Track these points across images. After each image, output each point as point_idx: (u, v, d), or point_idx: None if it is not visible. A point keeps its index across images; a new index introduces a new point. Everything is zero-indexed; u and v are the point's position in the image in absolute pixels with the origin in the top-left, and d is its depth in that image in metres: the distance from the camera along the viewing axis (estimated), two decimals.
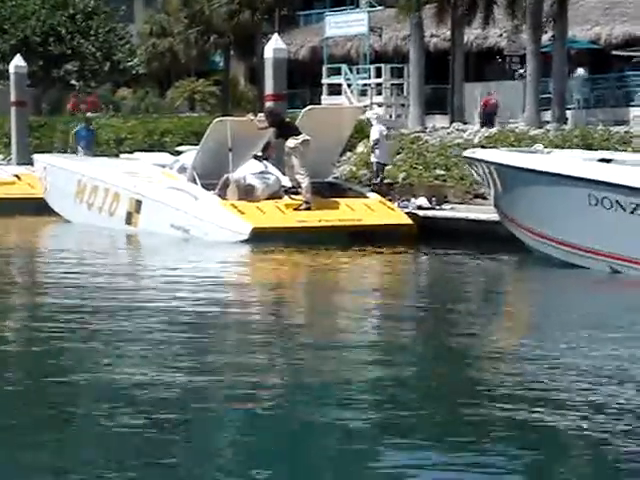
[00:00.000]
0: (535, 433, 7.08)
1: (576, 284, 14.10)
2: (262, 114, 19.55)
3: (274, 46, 21.72)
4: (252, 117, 19.41)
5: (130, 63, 45.67)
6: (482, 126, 27.57)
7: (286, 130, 18.85)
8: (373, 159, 21.01)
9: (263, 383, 8.45)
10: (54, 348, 9.68)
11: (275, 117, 19.12)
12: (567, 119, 28.44)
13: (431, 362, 9.53)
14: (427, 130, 27.40)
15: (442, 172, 21.72)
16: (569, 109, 29.76)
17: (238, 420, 7.54)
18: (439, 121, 30.94)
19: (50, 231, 21.54)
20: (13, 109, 29.27)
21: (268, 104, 20.60)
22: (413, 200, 19.92)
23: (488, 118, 30.18)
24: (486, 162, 15.82)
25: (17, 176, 25.40)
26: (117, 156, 25.81)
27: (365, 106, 32.26)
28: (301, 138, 18.67)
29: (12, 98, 29.36)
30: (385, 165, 21.32)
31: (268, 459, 6.66)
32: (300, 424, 7.36)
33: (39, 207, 22.46)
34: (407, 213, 18.95)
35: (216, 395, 8.13)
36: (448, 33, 31.84)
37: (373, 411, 7.69)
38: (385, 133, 21.62)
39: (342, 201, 18.95)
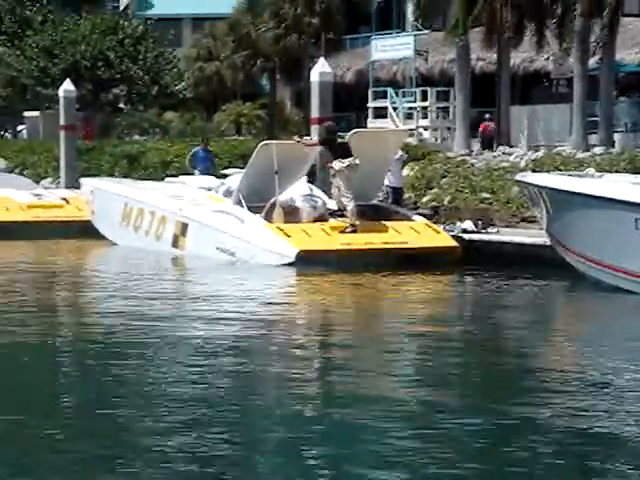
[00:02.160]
0: None
1: (623, 309, 13.95)
2: (307, 137, 19.59)
3: (320, 70, 21.79)
4: (298, 139, 19.47)
5: (177, 87, 46.05)
6: (483, 149, 28.27)
7: (337, 151, 18.83)
8: (386, 182, 20.86)
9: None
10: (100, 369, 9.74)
11: (329, 135, 19.19)
12: (614, 142, 28.22)
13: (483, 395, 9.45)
14: (473, 153, 27.31)
15: (488, 195, 21.63)
16: (616, 132, 29.53)
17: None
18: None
19: (97, 254, 21.68)
20: (62, 133, 29.58)
21: (327, 123, 20.63)
22: (459, 223, 19.84)
23: (488, 142, 30.48)
24: (537, 186, 15.72)
25: (65, 199, 25.61)
26: (163, 179, 25.95)
27: (411, 129, 32.26)
28: (347, 161, 18.68)
29: (61, 122, 29.68)
30: (399, 189, 21.21)
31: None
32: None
33: (86, 230, 22.63)
34: (453, 236, 18.87)
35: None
36: (494, 56, 31.76)
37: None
38: (404, 158, 21.68)
39: (388, 224, 18.92)
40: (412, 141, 29.61)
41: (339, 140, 19.20)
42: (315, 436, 7.61)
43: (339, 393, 9.10)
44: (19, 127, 48.73)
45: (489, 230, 19.51)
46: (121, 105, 44.91)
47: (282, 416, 8.19)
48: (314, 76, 21.84)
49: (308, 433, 7.64)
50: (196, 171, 24.28)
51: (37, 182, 30.08)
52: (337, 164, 18.78)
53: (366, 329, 12.73)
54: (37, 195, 26.03)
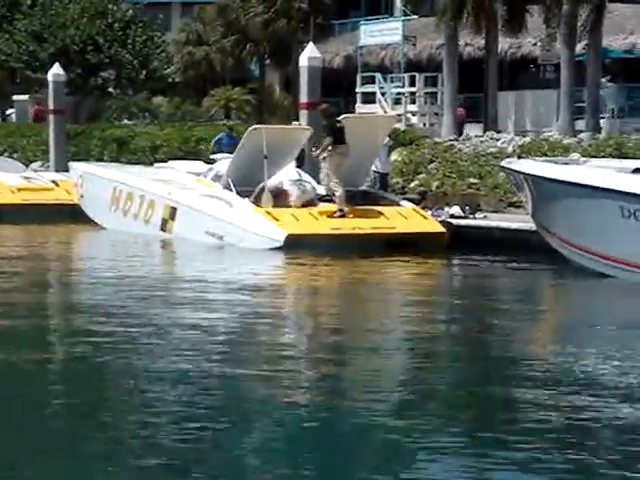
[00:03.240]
0: None
1: (607, 294, 14.11)
2: (296, 122, 19.67)
3: (309, 54, 21.86)
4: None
5: (166, 71, 45.99)
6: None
7: (336, 135, 18.91)
8: (373, 168, 20.95)
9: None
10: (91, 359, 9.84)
11: (328, 119, 19.30)
12: (601, 128, 28.37)
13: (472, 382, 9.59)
14: (460, 139, 27.44)
15: (475, 181, 21.76)
16: (603, 118, 29.69)
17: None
18: (473, 130, 30.97)
19: (85, 238, 21.75)
20: (51, 117, 29.58)
21: (324, 105, 20.68)
22: (446, 209, 19.96)
23: (458, 128, 30.74)
24: (522, 173, 15.84)
25: (55, 182, 25.66)
26: (152, 164, 26.00)
27: (399, 115, 32.36)
28: (339, 147, 18.80)
29: (50, 106, 29.68)
30: (385, 175, 21.35)
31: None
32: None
33: (75, 213, 22.69)
34: (440, 221, 19.00)
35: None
36: (482, 42, 31.86)
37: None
38: (390, 144, 21.78)
39: (376, 209, 19.04)
40: (400, 126, 29.70)
41: (337, 125, 19.21)
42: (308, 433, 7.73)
43: (328, 384, 9.24)
44: (8, 111, 48.64)
45: (476, 215, 19.64)
46: (110, 89, 44.85)
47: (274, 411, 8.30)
48: (303, 61, 21.91)
49: (301, 430, 7.73)
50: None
51: (26, 165, 30.08)
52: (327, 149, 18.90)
53: (353, 315, 12.84)
54: (27, 178, 26.06)
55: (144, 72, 43.60)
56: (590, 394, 8.25)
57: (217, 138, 24.57)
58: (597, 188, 14.42)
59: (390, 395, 8.45)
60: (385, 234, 18.34)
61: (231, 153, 22.40)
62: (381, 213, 18.91)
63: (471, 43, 34.50)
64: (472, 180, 21.84)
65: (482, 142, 26.02)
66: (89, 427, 7.46)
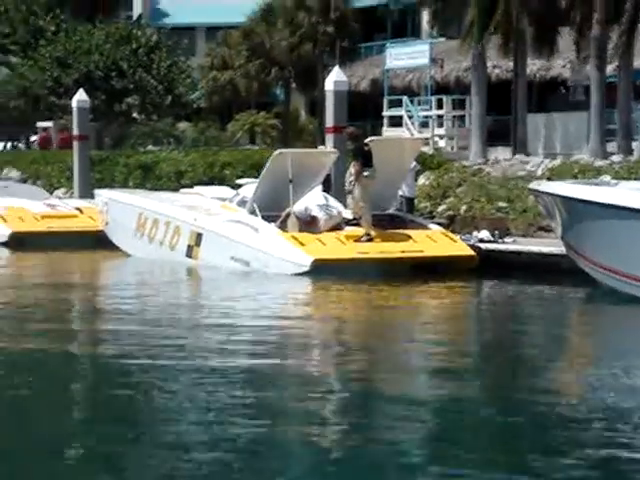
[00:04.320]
0: None
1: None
2: (322, 146, 19.44)
3: (335, 78, 21.64)
4: (323, 148, 19.32)
5: (191, 96, 45.96)
6: None
7: (364, 158, 18.67)
8: (399, 192, 20.62)
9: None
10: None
11: (354, 141, 19.12)
12: (633, 150, 27.97)
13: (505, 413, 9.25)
14: (489, 162, 27.10)
15: (504, 204, 21.42)
16: (634, 140, 29.27)
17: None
18: (501, 153, 30.62)
19: (111, 265, 21.54)
20: (75, 143, 29.50)
21: (351, 128, 20.44)
22: (475, 233, 19.65)
23: None
24: (551, 195, 15.54)
25: (79, 209, 25.53)
26: (177, 189, 25.82)
27: (426, 138, 32.07)
28: (366, 170, 18.55)
29: (74, 132, 29.60)
30: (412, 199, 21.03)
31: None
32: None
33: (100, 240, 22.52)
34: (469, 245, 18.68)
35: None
36: (510, 64, 31.56)
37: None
38: (417, 168, 21.48)
39: (404, 232, 18.74)
40: (428, 150, 29.41)
41: (365, 148, 18.97)
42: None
43: (355, 406, 8.93)
44: (32, 138, 48.77)
45: (506, 239, 19.31)
46: (135, 115, 44.85)
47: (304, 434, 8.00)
48: (329, 85, 21.69)
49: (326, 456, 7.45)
50: None
51: (50, 192, 30.01)
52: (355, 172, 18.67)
53: (381, 342, 12.50)
54: (51, 205, 25.97)
55: (169, 97, 43.56)
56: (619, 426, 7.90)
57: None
58: (629, 209, 14.10)
59: (422, 425, 8.11)
60: (413, 258, 18.04)
61: None
62: (409, 236, 18.61)
63: (499, 65, 34.21)
64: (501, 204, 21.50)
65: (511, 165, 25.67)
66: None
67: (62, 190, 31.91)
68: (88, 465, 7.20)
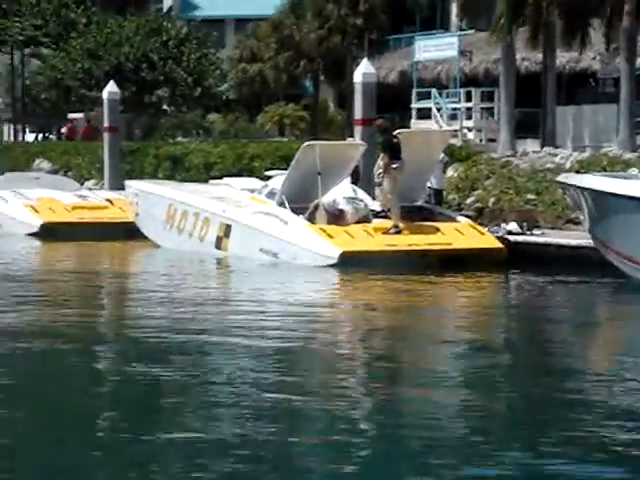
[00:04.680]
0: None
1: None
2: (351, 138, 19.50)
3: (363, 70, 21.68)
4: (352, 140, 19.37)
5: (220, 88, 46.10)
6: None
7: (392, 150, 18.72)
8: (428, 184, 20.65)
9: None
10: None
11: (384, 134, 19.16)
12: None
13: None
14: (518, 154, 27.05)
15: (533, 197, 21.40)
16: None
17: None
18: (530, 145, 30.55)
19: (140, 256, 21.70)
20: (106, 135, 29.68)
21: (380, 120, 20.50)
22: (503, 225, 19.65)
23: None
24: (579, 187, 15.53)
25: (109, 201, 25.70)
26: (206, 181, 25.96)
27: (455, 130, 32.05)
28: (395, 162, 18.60)
29: (105, 124, 29.79)
30: (440, 191, 21.04)
31: None
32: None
33: (129, 231, 22.68)
34: (497, 238, 18.70)
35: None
36: (540, 56, 31.47)
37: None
38: (445, 160, 21.47)
39: (432, 225, 18.78)
40: (456, 142, 29.39)
41: (394, 140, 19.00)
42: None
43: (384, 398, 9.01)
44: (63, 129, 49.08)
45: (534, 232, 19.31)
46: (164, 107, 45.05)
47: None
48: (357, 77, 21.73)
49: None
50: None
51: (81, 184, 30.21)
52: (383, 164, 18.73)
53: (410, 333, 12.57)
54: (82, 196, 26.15)
55: (198, 89, 43.72)
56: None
57: None
58: None
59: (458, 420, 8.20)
60: (441, 250, 18.08)
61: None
62: (437, 229, 18.65)
63: (528, 57, 34.10)
64: (529, 196, 21.48)
65: (540, 158, 25.62)
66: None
67: (92, 181, 32.12)
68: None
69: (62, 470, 6.89)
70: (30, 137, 50.47)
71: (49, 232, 23.88)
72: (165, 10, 55.21)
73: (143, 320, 12.80)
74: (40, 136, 50.64)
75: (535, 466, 6.88)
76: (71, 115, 47.06)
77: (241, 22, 53.07)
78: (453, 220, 19.25)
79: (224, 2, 55.40)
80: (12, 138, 47.67)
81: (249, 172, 27.06)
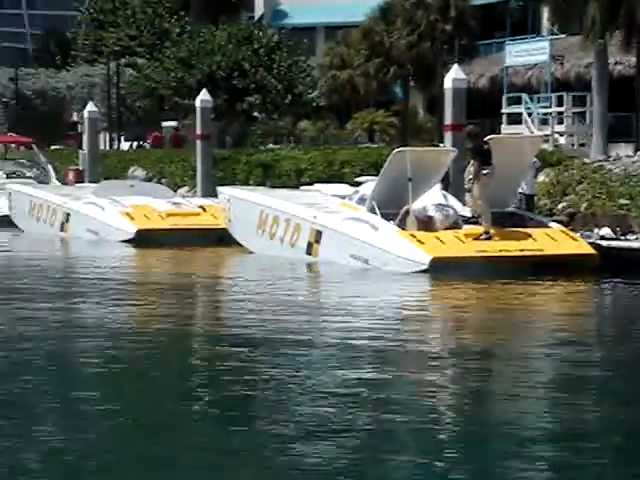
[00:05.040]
0: None
1: None
2: (441, 144, 19.51)
3: (454, 76, 21.67)
4: (442, 146, 19.38)
5: (311, 95, 46.41)
6: None
7: (483, 156, 18.69)
8: (519, 190, 20.47)
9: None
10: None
11: (473, 140, 19.14)
12: None
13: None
14: (610, 159, 26.75)
15: (626, 202, 21.15)
16: None
17: None
18: (623, 149, 30.15)
19: (234, 262, 21.97)
20: (198, 142, 30.11)
21: (470, 126, 20.50)
22: (596, 230, 19.46)
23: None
24: None
25: (202, 207, 26.03)
26: (297, 187, 26.17)
27: (546, 135, 31.79)
28: (485, 168, 18.57)
29: (197, 131, 30.21)
30: (531, 197, 20.88)
31: None
32: None
33: (222, 238, 22.97)
34: (590, 243, 18.53)
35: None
36: (633, 59, 31.06)
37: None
38: (537, 165, 21.29)
39: (523, 231, 18.69)
40: (548, 147, 29.16)
41: (484, 146, 18.96)
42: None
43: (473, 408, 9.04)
44: (149, 139, 49.86)
45: (628, 237, 19.09)
46: (255, 114, 45.51)
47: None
48: (448, 83, 21.73)
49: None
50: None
51: (174, 191, 30.67)
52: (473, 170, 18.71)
53: (502, 341, 12.53)
54: (175, 203, 26.48)
55: (289, 97, 44.10)
56: None
57: None
58: None
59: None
60: (533, 256, 17.97)
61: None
62: (528, 235, 18.55)
63: (621, 61, 33.69)
64: (622, 201, 21.23)
65: (633, 162, 25.29)
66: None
67: (185, 188, 32.61)
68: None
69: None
70: (125, 145, 51.41)
71: (144, 239, 24.26)
72: (256, 19, 55.80)
73: (240, 324, 12.99)
74: (134, 144, 51.53)
75: None
76: (165, 123, 47.81)
77: (331, 29, 53.35)
78: (545, 226, 19.14)
79: (314, 10, 55.74)
80: (107, 146, 48.61)
81: (339, 178, 27.19)
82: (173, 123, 47.38)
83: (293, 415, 8.29)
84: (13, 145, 38.99)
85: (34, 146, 35.84)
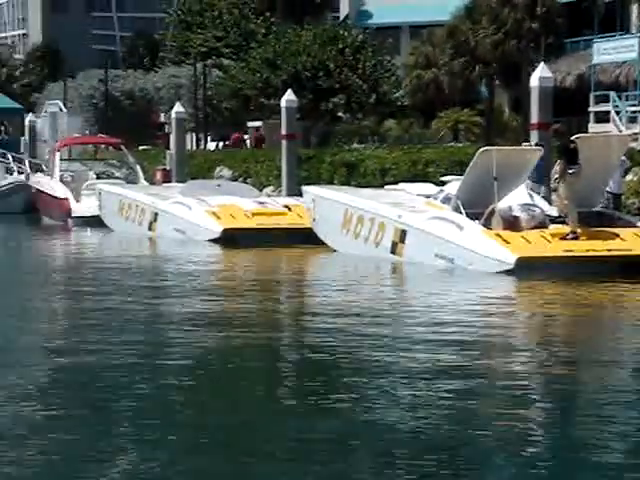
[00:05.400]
0: None
1: None
2: (526, 143, 19.38)
3: (540, 75, 21.53)
4: (527, 145, 19.24)
5: (395, 95, 46.38)
6: None
7: (569, 155, 18.55)
8: (606, 189, 20.20)
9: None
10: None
11: (560, 138, 19.00)
12: None
13: None
14: None
15: None
16: None
17: None
18: None
19: (319, 260, 22.11)
20: (284, 142, 30.30)
21: (556, 125, 20.35)
22: None
23: None
24: None
25: (287, 207, 26.18)
26: (382, 186, 26.20)
27: (635, 134, 31.36)
28: (572, 168, 18.42)
29: (283, 131, 30.41)
30: (619, 196, 20.59)
31: None
32: None
33: (307, 237, 23.10)
34: None
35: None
36: None
37: None
38: (626, 165, 21.00)
39: (610, 230, 18.49)
40: (636, 146, 28.78)
41: (571, 145, 18.80)
42: None
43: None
44: (228, 141, 50.32)
45: None
46: (340, 114, 45.64)
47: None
48: (534, 81, 21.60)
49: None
50: (528, 181, 19.95)
51: (260, 190, 30.91)
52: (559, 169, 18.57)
53: (591, 344, 12.42)
54: (261, 203, 26.66)
55: (373, 96, 44.12)
56: None
57: None
58: None
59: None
60: (621, 256, 17.76)
61: (540, 177, 20.38)
62: (616, 235, 18.33)
63: None
64: None
65: None
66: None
67: (271, 188, 32.85)
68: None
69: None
70: (211, 145, 51.94)
71: (230, 238, 24.49)
72: (341, 19, 55.94)
73: (310, 325, 13.09)
74: (220, 144, 52.05)
75: None
76: (250, 124, 48.19)
77: (416, 29, 53.26)
78: (633, 225, 18.90)
79: (399, 10, 55.72)
80: (194, 146, 49.19)
81: (424, 177, 27.17)
82: (258, 123, 47.75)
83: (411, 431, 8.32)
84: (103, 146, 39.63)
85: (123, 147, 36.41)
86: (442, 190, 20.75)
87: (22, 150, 45.77)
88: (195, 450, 7.46)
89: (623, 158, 20.45)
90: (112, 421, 8.30)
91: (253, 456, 7.35)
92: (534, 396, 9.31)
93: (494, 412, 8.54)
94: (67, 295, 16.64)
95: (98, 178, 33.60)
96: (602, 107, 36.15)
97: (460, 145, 37.64)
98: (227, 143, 50.36)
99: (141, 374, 9.97)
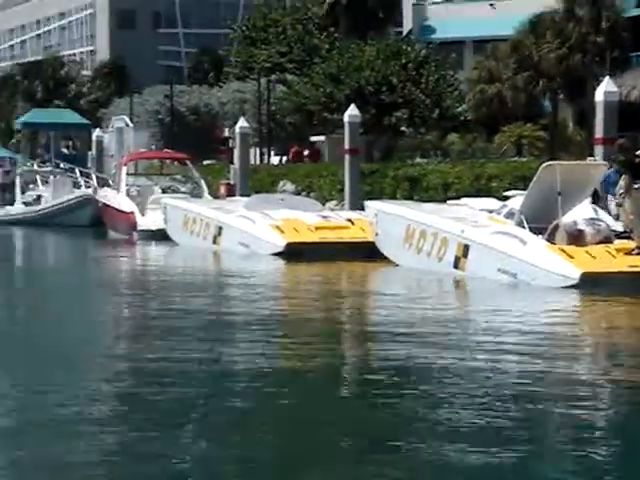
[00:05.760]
0: None
1: None
2: (591, 157, 19.31)
3: (605, 89, 21.45)
4: (592, 159, 19.14)
5: (458, 109, 46.36)
6: None
7: (634, 170, 18.44)
8: None
9: None
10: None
11: (625, 153, 18.88)
12: None
13: None
14: None
15: None
16: None
17: None
18: None
19: (381, 275, 22.18)
20: (347, 157, 30.46)
21: (621, 139, 20.26)
22: None
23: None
24: None
25: (350, 221, 26.29)
26: (444, 201, 26.21)
27: None
28: (636, 183, 18.30)
29: (346, 146, 30.58)
30: None
31: None
32: None
33: (370, 251, 23.17)
34: None
35: None
36: None
37: None
38: None
39: None
40: None
41: (636, 160, 18.68)
42: None
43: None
44: (305, 152, 50.60)
45: None
46: (403, 128, 45.72)
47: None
48: (599, 96, 21.53)
49: None
50: (609, 196, 20.19)
51: (323, 204, 31.06)
52: (624, 184, 18.46)
53: None
54: (324, 217, 26.79)
55: (436, 111, 44.14)
56: None
57: (604, 175, 20.57)
58: None
59: None
60: None
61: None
62: None
63: None
64: None
65: None
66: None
67: (334, 202, 33.00)
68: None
69: None
70: (274, 160, 52.30)
71: (293, 252, 24.64)
72: (404, 34, 56.06)
73: (371, 345, 13.16)
74: (284, 159, 52.40)
75: None
76: (313, 138, 48.43)
77: (479, 43, 53.19)
78: None
79: (462, 24, 55.69)
80: (258, 161, 49.57)
81: (487, 192, 27.14)
82: (322, 138, 47.99)
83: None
84: (168, 161, 40.14)
85: (188, 162, 36.82)
86: (505, 205, 20.72)
87: (89, 165, 46.48)
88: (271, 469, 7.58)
89: None
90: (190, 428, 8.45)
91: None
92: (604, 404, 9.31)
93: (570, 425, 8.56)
94: (151, 310, 16.76)
95: (163, 192, 34.02)
96: None
97: (523, 160, 37.50)
98: (287, 158, 50.73)
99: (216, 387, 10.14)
